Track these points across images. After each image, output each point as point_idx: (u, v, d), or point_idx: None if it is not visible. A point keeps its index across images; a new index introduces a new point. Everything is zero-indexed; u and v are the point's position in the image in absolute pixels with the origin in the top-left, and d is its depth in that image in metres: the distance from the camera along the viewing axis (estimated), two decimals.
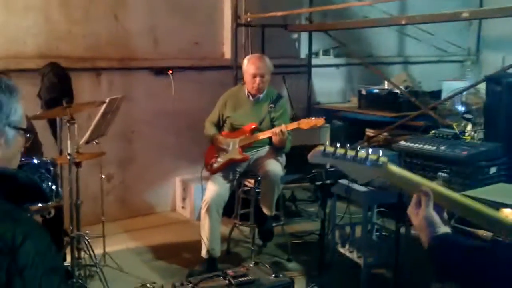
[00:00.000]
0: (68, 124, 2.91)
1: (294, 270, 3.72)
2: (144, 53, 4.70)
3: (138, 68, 4.68)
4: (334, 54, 5.90)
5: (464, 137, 2.86)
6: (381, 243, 3.61)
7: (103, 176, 3.69)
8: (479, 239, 1.88)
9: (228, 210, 4.07)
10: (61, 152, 3.53)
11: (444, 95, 4.87)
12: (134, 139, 4.76)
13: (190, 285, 2.40)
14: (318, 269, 3.32)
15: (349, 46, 5.54)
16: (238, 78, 4.84)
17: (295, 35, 5.72)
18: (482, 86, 3.72)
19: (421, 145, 2.85)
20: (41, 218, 3.18)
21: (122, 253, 3.96)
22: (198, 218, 3.98)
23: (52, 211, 2.96)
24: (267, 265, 2.56)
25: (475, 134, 3.20)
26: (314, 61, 5.66)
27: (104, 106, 3.19)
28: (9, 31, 4.04)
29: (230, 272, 2.53)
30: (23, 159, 2.76)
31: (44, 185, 2.77)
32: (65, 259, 3.11)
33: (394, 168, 1.28)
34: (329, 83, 5.93)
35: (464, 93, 4.33)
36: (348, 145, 1.29)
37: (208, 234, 3.52)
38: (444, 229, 1.21)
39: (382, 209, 3.73)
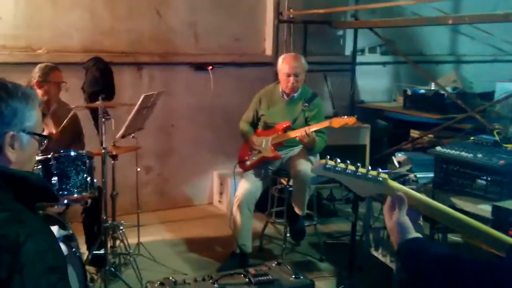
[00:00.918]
0: (103, 119, 3.01)
1: (326, 270, 3.69)
2: (185, 48, 4.78)
3: (179, 63, 4.76)
4: (380, 51, 5.73)
5: (505, 145, 2.70)
6: None
7: (138, 169, 3.79)
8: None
9: (263, 207, 4.10)
10: (101, 144, 3.67)
11: (496, 97, 4.62)
12: (173, 133, 4.86)
13: (210, 280, 2.42)
14: (348, 271, 3.29)
15: (398, 43, 5.36)
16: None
17: (340, 32, 5.60)
18: None
19: (457, 152, 2.71)
20: (81, 206, 3.35)
21: (157, 243, 4.06)
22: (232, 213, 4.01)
23: (89, 201, 3.12)
24: (288, 266, 2.53)
25: None
26: (360, 58, 5.52)
27: (138, 102, 3.25)
28: (56, 26, 4.22)
29: (252, 270, 2.53)
30: (61, 151, 2.91)
31: (80, 177, 2.89)
32: (101, 247, 3.22)
33: (394, 184, 1.33)
34: (375, 82, 5.77)
35: None
36: (349, 162, 1.36)
37: (239, 230, 3.56)
38: (414, 234, 1.26)
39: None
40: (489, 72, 5.51)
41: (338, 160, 1.34)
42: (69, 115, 3.30)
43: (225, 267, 3.39)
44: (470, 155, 2.65)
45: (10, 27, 4.07)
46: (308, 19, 5.09)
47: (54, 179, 2.80)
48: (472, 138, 2.89)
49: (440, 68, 5.94)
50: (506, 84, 4.63)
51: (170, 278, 2.46)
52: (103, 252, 3.18)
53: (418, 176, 3.10)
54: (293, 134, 3.57)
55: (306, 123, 3.63)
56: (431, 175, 2.99)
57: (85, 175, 2.92)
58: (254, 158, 3.67)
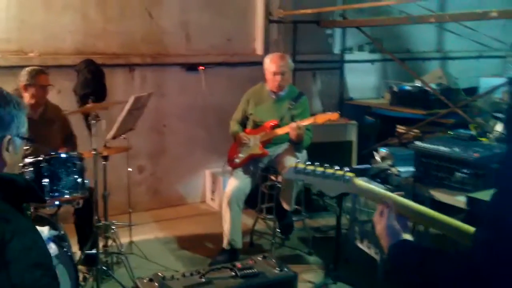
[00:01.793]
0: (93, 121, 3.05)
1: (314, 263, 3.79)
2: (176, 49, 4.85)
3: (171, 64, 4.83)
4: (369, 49, 5.83)
5: (481, 139, 2.80)
6: None
7: (130, 169, 3.86)
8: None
9: (254, 203, 4.21)
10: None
11: (481, 92, 4.72)
12: (166, 133, 4.94)
13: (198, 274, 2.52)
14: (334, 263, 3.40)
15: (386, 41, 5.45)
16: None
17: (329, 31, 5.70)
18: None
19: (435, 146, 2.82)
20: (73, 208, 3.38)
21: (149, 242, 4.15)
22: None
23: (81, 202, 3.12)
24: (273, 259, 2.63)
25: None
26: (348, 56, 5.63)
27: (129, 104, 3.33)
28: (48, 28, 4.27)
29: (238, 264, 2.62)
30: (52, 153, 2.96)
31: (70, 178, 2.95)
32: (93, 247, 3.24)
33: (360, 182, 1.38)
34: (363, 79, 5.87)
35: (502, 90, 4.18)
36: (318, 163, 1.41)
37: (229, 226, 3.65)
38: (404, 236, 1.27)
39: None
40: (475, 68, 5.62)
41: (308, 163, 1.40)
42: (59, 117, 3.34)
43: (215, 263, 3.45)
44: (447, 149, 2.76)
45: (2, 31, 4.10)
46: (298, 19, 5.19)
47: (45, 180, 2.84)
48: (449, 132, 2.99)
49: (427, 65, 6.05)
50: (489, 79, 4.75)
51: (159, 274, 2.54)
52: (95, 251, 3.20)
53: (400, 170, 3.21)
54: (281, 131, 3.67)
55: (293, 120, 3.72)
56: (413, 169, 3.10)
57: (76, 176, 2.97)
58: (242, 155, 3.77)
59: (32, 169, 2.84)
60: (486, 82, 4.77)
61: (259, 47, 5.28)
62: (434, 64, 6.09)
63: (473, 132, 2.83)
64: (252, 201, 4.23)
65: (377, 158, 3.24)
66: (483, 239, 1.03)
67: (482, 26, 5.83)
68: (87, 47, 4.41)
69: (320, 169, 1.39)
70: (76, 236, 3.50)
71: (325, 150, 4.43)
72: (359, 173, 3.23)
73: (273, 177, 4.03)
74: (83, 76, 3.92)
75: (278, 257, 2.97)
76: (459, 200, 2.63)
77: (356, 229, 3.61)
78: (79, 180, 2.99)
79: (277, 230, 4.05)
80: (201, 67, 4.87)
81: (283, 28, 5.27)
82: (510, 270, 0.97)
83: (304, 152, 3.81)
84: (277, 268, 2.56)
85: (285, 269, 2.55)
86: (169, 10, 4.77)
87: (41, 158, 2.86)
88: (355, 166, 3.80)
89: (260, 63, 5.07)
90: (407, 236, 1.27)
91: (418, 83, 4.84)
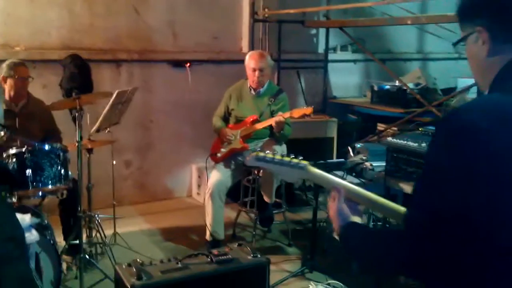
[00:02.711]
0: (77, 114, 3.10)
1: (293, 254, 3.93)
2: (163, 46, 4.94)
3: (157, 60, 4.92)
4: (352, 49, 5.97)
5: None
6: None
7: (114, 162, 3.94)
8: None
9: (236, 197, 4.34)
10: (81, 138, 3.80)
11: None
12: (153, 128, 5.03)
13: (175, 260, 2.63)
14: (311, 254, 3.55)
15: (369, 42, 5.60)
16: None
17: (313, 31, 5.83)
18: None
19: (405, 142, 2.96)
20: (57, 199, 3.42)
21: (134, 234, 4.24)
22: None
23: (65, 193, 3.16)
24: (248, 247, 2.75)
25: None
26: (332, 56, 5.76)
27: (112, 98, 3.41)
28: (34, 23, 4.32)
29: (215, 251, 2.74)
30: (36, 144, 3.03)
31: (54, 169, 3.01)
32: (77, 237, 3.29)
33: (313, 169, 1.50)
34: (346, 78, 6.02)
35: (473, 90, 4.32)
36: (277, 152, 1.54)
37: (211, 218, 3.78)
38: (353, 219, 1.36)
39: None
40: (454, 69, 5.77)
41: (267, 152, 1.52)
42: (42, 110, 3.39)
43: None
44: (415, 144, 2.89)
45: None
46: (282, 19, 5.31)
47: (28, 171, 2.90)
48: (420, 129, 3.13)
49: (408, 65, 6.20)
50: (466, 80, 4.90)
51: (138, 260, 2.63)
52: (77, 242, 3.26)
53: (374, 165, 3.35)
54: (260, 125, 3.81)
55: (272, 116, 3.86)
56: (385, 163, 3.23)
57: (59, 167, 3.03)
58: (224, 150, 3.90)
59: (15, 160, 2.89)
60: (464, 83, 4.91)
61: (245, 46, 5.39)
62: (415, 65, 6.24)
63: None
64: (235, 194, 4.36)
65: (351, 153, 3.38)
66: (410, 217, 1.14)
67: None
68: (74, 42, 4.48)
69: (278, 157, 1.50)
70: (61, 227, 3.56)
71: (305, 146, 4.57)
72: (334, 167, 3.39)
73: (255, 171, 4.15)
74: (69, 70, 3.98)
75: (258, 248, 3.09)
76: None
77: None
78: (63, 171, 3.05)
79: (257, 222, 4.18)
80: (187, 64, 4.98)
81: (268, 27, 5.40)
82: (436, 246, 1.05)
83: (284, 147, 3.94)
84: (251, 255, 2.68)
85: (258, 256, 2.67)
86: (155, 7, 4.85)
87: (24, 150, 2.91)
88: (330, 160, 3.93)
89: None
90: (357, 219, 1.37)
91: (397, 83, 4.98)
